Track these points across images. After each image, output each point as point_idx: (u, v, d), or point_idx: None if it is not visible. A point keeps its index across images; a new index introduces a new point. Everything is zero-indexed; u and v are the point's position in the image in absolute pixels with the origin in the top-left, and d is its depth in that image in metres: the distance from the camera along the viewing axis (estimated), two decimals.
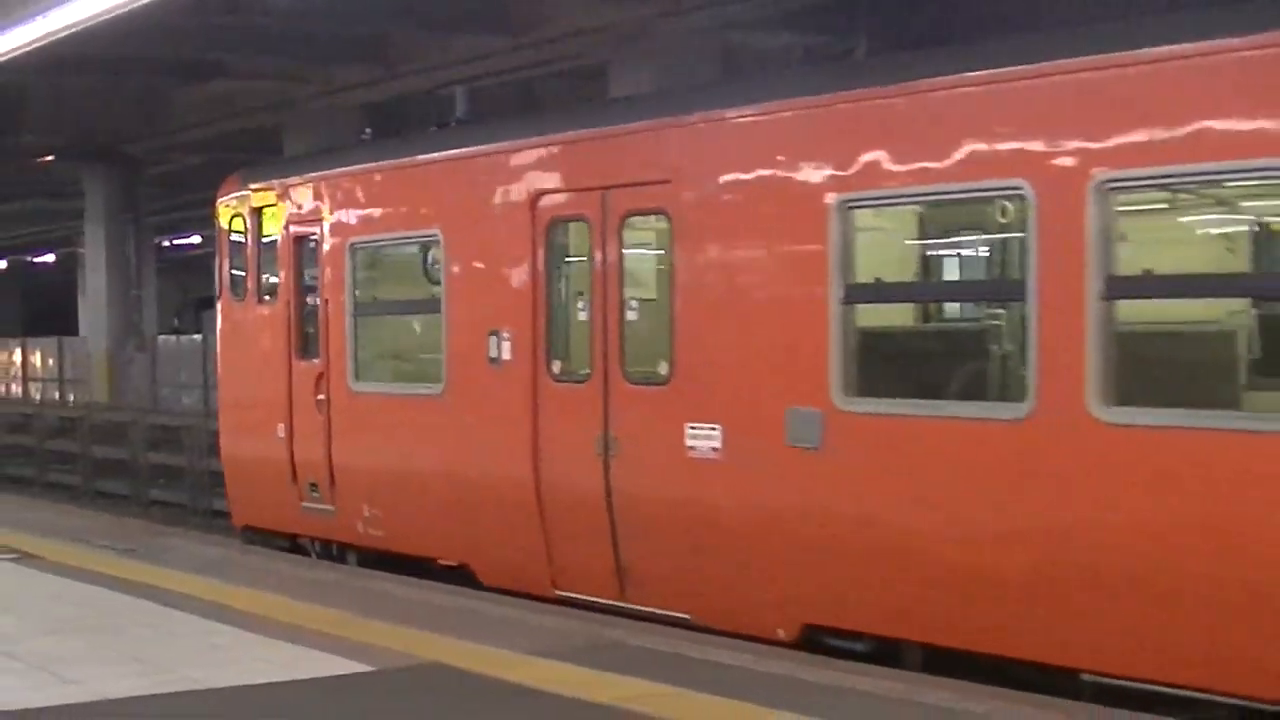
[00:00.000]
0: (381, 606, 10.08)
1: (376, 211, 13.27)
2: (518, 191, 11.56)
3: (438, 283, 12.53)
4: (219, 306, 15.50)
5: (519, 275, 11.54)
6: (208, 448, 20.32)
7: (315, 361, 13.72)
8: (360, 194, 13.39)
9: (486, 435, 11.85)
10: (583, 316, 11.12)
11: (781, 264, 9.67)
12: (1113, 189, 8.01)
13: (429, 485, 12.44)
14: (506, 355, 11.62)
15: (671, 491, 10.31)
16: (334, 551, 13.74)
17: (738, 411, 9.88)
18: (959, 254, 10.00)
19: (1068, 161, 8.15)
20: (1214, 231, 8.77)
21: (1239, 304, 8.38)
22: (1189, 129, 7.72)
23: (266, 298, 14.52)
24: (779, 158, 9.66)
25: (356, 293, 13.39)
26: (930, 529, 8.82)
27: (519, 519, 11.48)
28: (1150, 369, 8.31)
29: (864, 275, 9.39)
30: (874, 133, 9.16)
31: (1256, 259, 8.64)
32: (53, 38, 16.05)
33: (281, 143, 24.38)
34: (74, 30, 15.62)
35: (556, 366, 11.35)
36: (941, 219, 9.83)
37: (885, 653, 9.20)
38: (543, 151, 11.52)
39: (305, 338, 13.95)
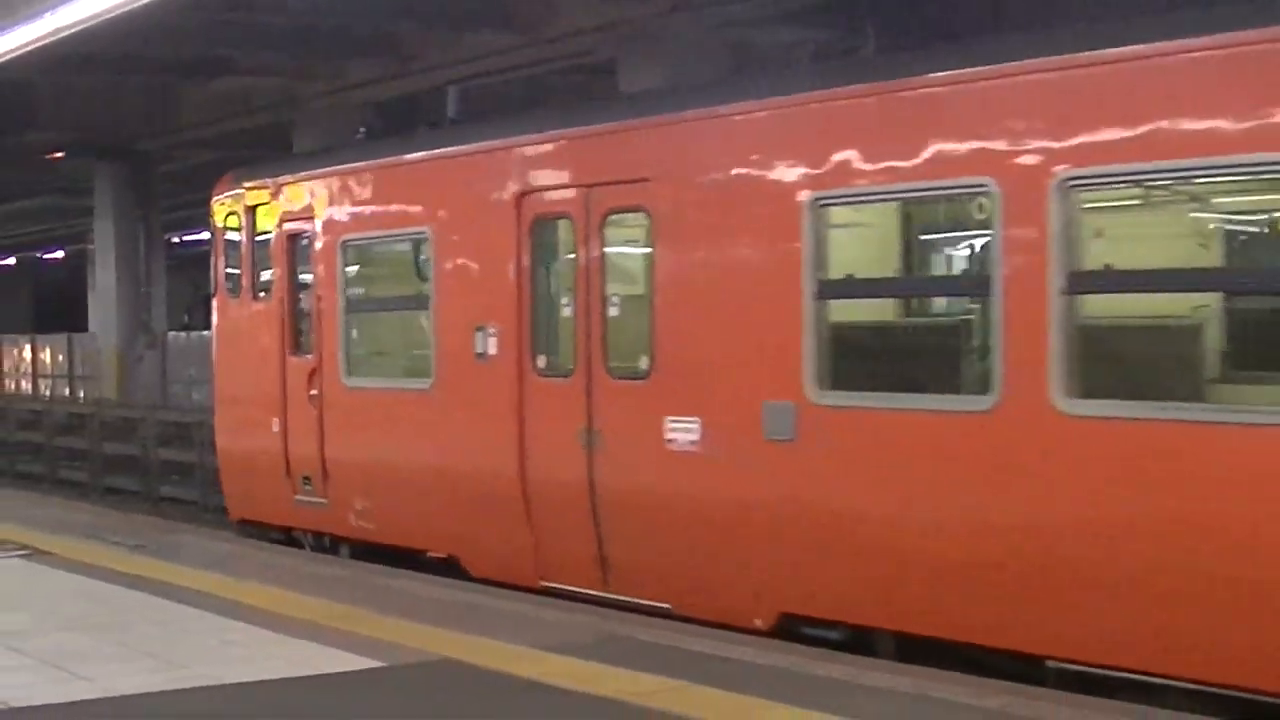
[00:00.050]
0: (392, 602, 10.09)
1: (367, 209, 13.48)
2: (503, 190, 11.76)
3: (427, 279, 12.74)
4: (214, 303, 15.72)
5: (505, 272, 11.74)
6: None
7: (308, 357, 13.94)
8: (351, 192, 13.61)
9: (474, 429, 12.06)
10: (567, 312, 11.33)
11: (756, 260, 9.87)
12: (1074, 186, 8.21)
13: (418, 478, 12.66)
14: (493, 351, 11.83)
15: (652, 484, 10.52)
16: (326, 544, 13.96)
17: (715, 405, 10.09)
18: (928, 250, 10.20)
19: (1031, 160, 8.35)
20: (1173, 228, 8.96)
21: (1200, 299, 8.56)
22: (1146, 128, 7.92)
23: (261, 295, 14.74)
24: (753, 156, 9.87)
25: (348, 290, 13.61)
26: (900, 519, 9.02)
27: (506, 511, 11.69)
28: (1113, 362, 8.51)
29: (836, 271, 9.59)
30: (845, 132, 9.36)
31: (1216, 255, 8.82)
32: (60, 35, 16.11)
33: (290, 140, 24.44)
34: (81, 28, 15.67)
35: (541, 361, 11.56)
36: (911, 216, 10.03)
37: (860, 641, 9.41)
38: (527, 151, 11.73)
39: (298, 334, 14.17)
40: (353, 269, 13.73)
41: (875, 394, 9.30)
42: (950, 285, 10.07)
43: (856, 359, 9.66)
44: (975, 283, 9.04)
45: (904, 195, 9.47)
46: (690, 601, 10.32)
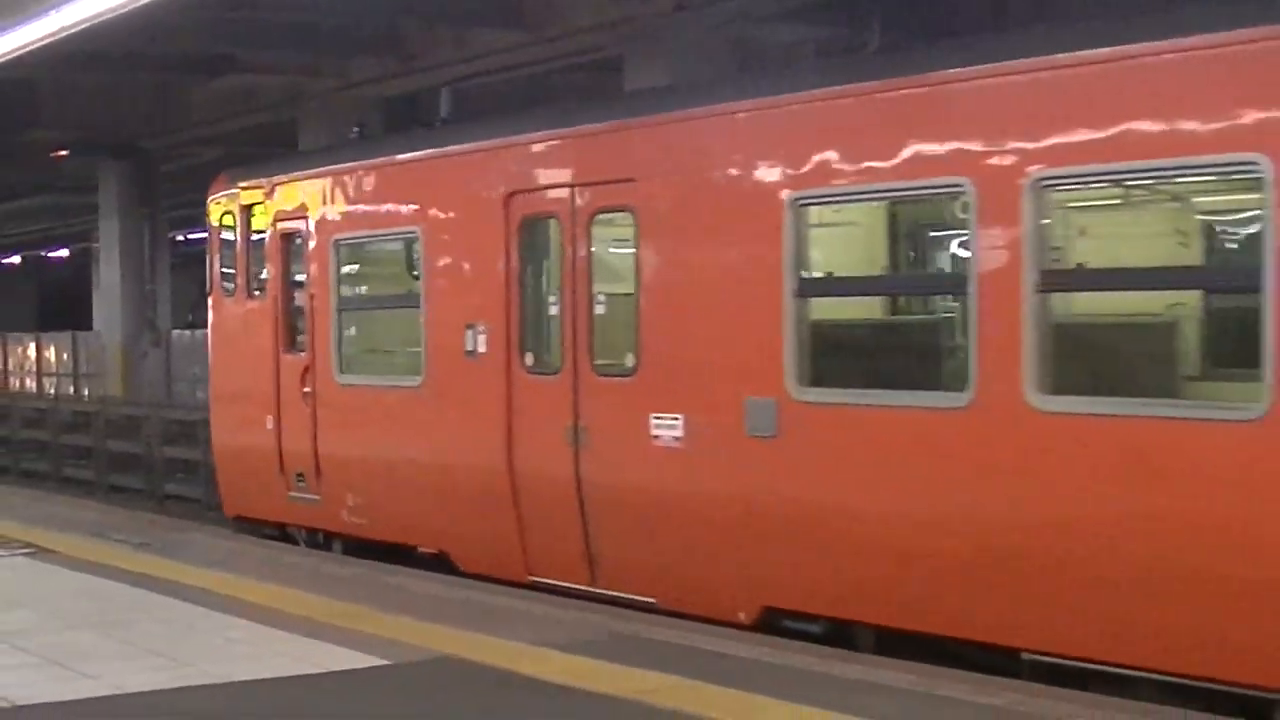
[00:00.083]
0: (396, 600, 10.12)
1: (359, 209, 13.64)
2: (492, 190, 11.91)
3: (418, 278, 12.89)
4: (210, 302, 15.88)
5: (494, 271, 11.89)
6: None
7: (302, 355, 14.10)
8: (344, 192, 13.76)
9: (463, 426, 12.21)
10: (554, 311, 11.48)
11: (739, 259, 10.02)
12: (1047, 186, 8.35)
13: (409, 475, 12.81)
14: (482, 348, 11.98)
15: (637, 479, 10.67)
16: (320, 540, 14.12)
17: (699, 402, 10.24)
18: (906, 250, 10.35)
19: (1005, 160, 8.49)
20: (1144, 227, 9.11)
21: (1172, 296, 8.71)
22: (1116, 130, 8.06)
23: (256, 293, 14.89)
24: (735, 156, 10.02)
25: (340, 288, 13.76)
26: (879, 514, 9.17)
27: (494, 507, 11.84)
28: (1084, 359, 8.65)
29: (816, 270, 9.73)
30: (825, 133, 9.51)
31: (1186, 254, 8.97)
32: (64, 33, 16.17)
33: (296, 137, 24.50)
34: (86, 25, 15.73)
35: (529, 359, 11.71)
36: (890, 216, 10.18)
37: (840, 635, 9.55)
38: (515, 151, 11.88)
39: (292, 332, 14.33)
40: (345, 268, 13.89)
41: (855, 390, 9.45)
42: (928, 284, 10.22)
43: (836, 356, 9.81)
44: (952, 281, 9.19)
45: (883, 195, 9.62)
46: (675, 596, 10.47)
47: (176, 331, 31.82)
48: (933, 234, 9.96)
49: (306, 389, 13.95)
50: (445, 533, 12.55)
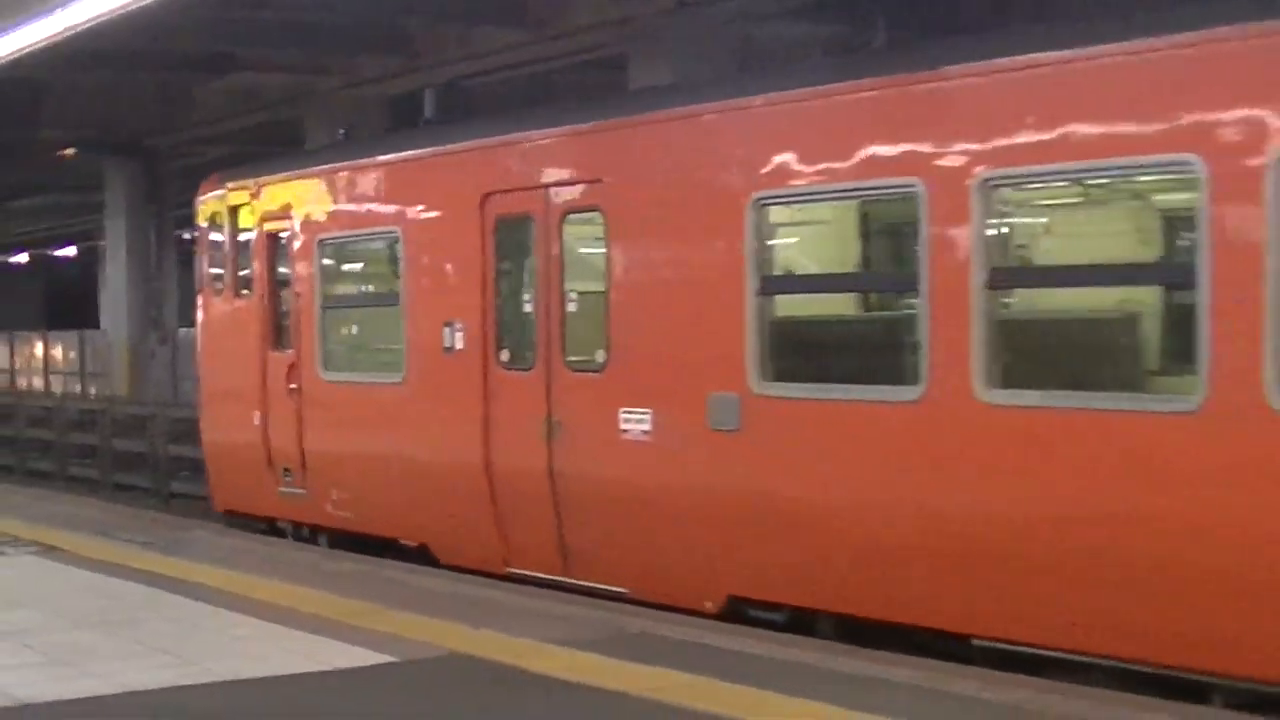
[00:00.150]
0: (403, 597, 10.12)
1: (342, 209, 13.93)
2: (469, 191, 12.19)
3: (398, 277, 13.18)
4: (200, 300, 16.19)
5: (471, 270, 12.18)
6: None
7: (288, 352, 14.39)
8: (327, 193, 14.05)
9: (442, 421, 12.50)
10: (528, 308, 11.76)
11: (703, 258, 10.29)
12: (994, 187, 8.62)
13: (391, 469, 13.11)
14: (460, 345, 12.27)
15: (607, 472, 10.95)
16: (306, 534, 14.42)
17: (665, 397, 10.51)
18: (862, 248, 10.62)
19: (954, 161, 8.76)
20: (1088, 226, 9.38)
21: (1115, 293, 8.97)
22: (1058, 131, 8.32)
23: (243, 292, 15.18)
24: (700, 158, 10.29)
25: (325, 287, 14.06)
26: (836, 505, 9.44)
27: (472, 500, 12.12)
28: (1029, 354, 8.92)
29: (776, 268, 10.00)
30: (785, 134, 9.78)
31: (1128, 251, 9.23)
32: (70, 32, 16.35)
33: (302, 135, 24.67)
34: (92, 24, 15.90)
35: (505, 356, 11.99)
36: (846, 216, 10.46)
37: (802, 623, 9.82)
38: (491, 153, 12.16)
39: (279, 330, 14.63)
40: (329, 267, 14.18)
41: (813, 385, 9.72)
42: (882, 281, 10.49)
43: (796, 352, 10.08)
44: (905, 279, 9.44)
45: (839, 195, 9.89)
46: (645, 585, 10.74)
47: (183, 330, 31.70)
48: (887, 233, 10.23)
49: (292, 386, 14.24)
50: (426, 526, 12.84)
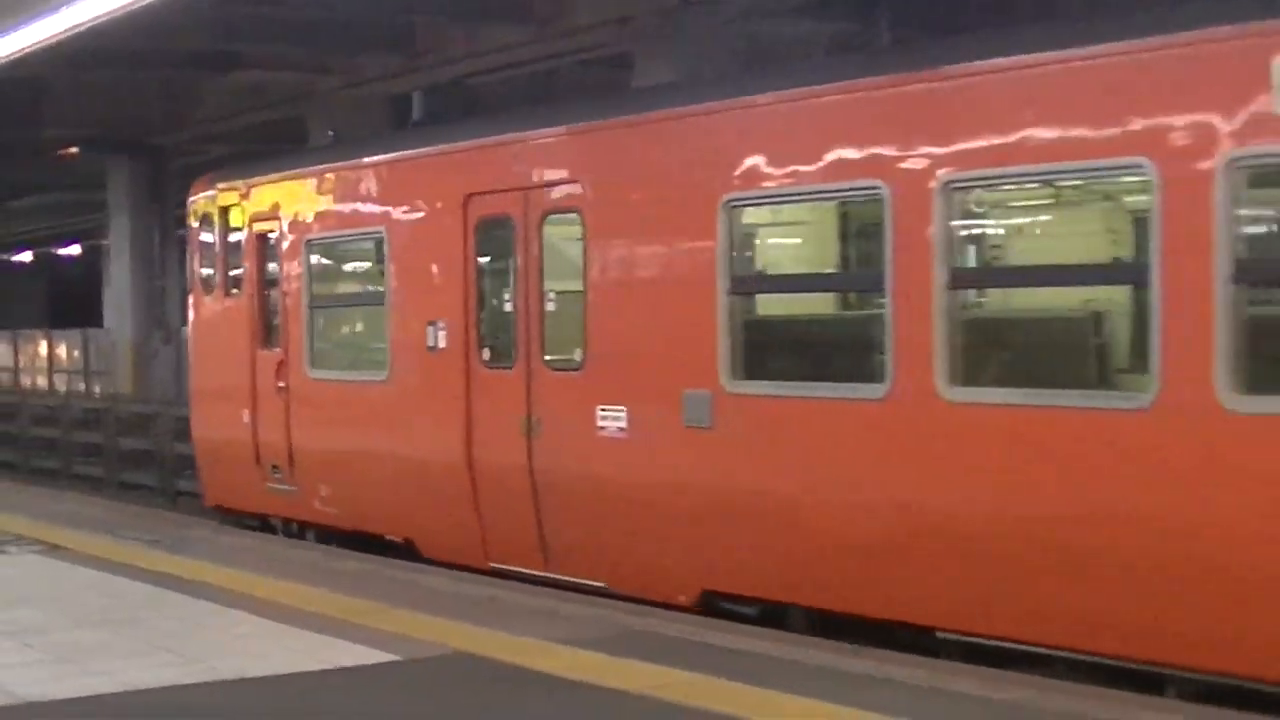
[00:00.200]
0: (406, 595, 10.14)
1: (329, 210, 14.14)
2: (451, 192, 12.41)
3: (383, 276, 13.39)
4: (190, 300, 16.41)
5: (453, 270, 12.39)
6: None
7: (276, 351, 14.61)
8: (315, 194, 14.26)
9: (426, 418, 12.72)
10: (509, 308, 11.98)
11: (677, 259, 10.50)
12: (955, 189, 8.82)
13: (376, 465, 13.32)
14: (443, 344, 12.49)
15: (585, 469, 11.16)
16: (294, 530, 14.64)
17: (641, 394, 10.72)
18: (830, 249, 10.81)
19: (916, 164, 8.96)
20: (1044, 227, 9.58)
21: (1075, 293, 9.17)
22: (1018, 135, 8.53)
23: (233, 291, 15.40)
24: (673, 160, 10.50)
25: (312, 286, 14.27)
26: (805, 501, 9.64)
27: (455, 496, 12.33)
28: (990, 353, 9.12)
29: (748, 269, 10.21)
30: (756, 138, 9.98)
31: (1085, 252, 9.43)
32: (74, 30, 16.40)
33: (306, 134, 24.75)
34: (95, 23, 15.95)
35: (486, 354, 12.20)
36: (815, 217, 10.66)
37: (775, 615, 10.02)
38: (473, 155, 12.37)
39: (267, 329, 14.84)
40: (316, 267, 14.39)
41: (783, 383, 9.93)
42: (849, 281, 10.68)
43: (767, 351, 10.29)
44: (870, 279, 9.64)
45: (808, 197, 10.09)
46: (622, 580, 10.95)
47: (186, 328, 31.82)
48: (854, 234, 10.44)
49: (280, 384, 14.46)
50: (410, 521, 13.05)
